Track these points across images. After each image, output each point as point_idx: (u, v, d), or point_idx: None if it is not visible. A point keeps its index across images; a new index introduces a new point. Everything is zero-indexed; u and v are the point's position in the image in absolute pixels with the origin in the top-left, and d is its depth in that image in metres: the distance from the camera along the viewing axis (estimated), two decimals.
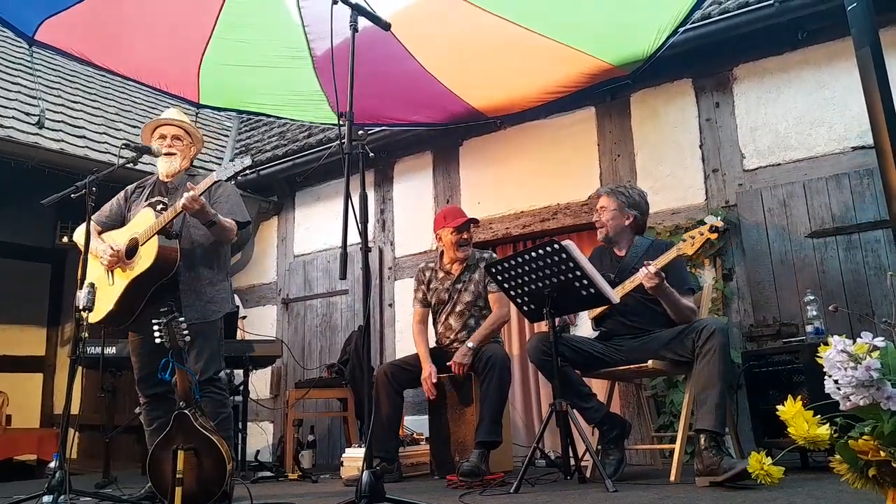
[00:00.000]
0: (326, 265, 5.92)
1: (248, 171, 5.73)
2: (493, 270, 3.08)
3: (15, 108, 5.21)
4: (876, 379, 1.22)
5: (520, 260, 2.94)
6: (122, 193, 3.33)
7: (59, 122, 5.45)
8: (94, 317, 3.03)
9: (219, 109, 5.29)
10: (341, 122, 2.50)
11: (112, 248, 3.02)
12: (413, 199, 5.57)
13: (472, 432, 3.57)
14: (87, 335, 3.01)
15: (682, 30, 3.66)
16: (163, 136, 3.24)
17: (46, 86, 5.98)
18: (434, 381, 3.70)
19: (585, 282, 2.83)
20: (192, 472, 2.55)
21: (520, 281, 3.00)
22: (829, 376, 1.28)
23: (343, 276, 2.30)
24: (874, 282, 3.62)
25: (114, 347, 4.36)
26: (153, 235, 2.91)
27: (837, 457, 1.30)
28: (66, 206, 3.35)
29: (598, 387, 3.73)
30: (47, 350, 7.38)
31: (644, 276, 2.90)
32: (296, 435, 4.64)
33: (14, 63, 6.11)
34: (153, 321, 2.65)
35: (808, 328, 3.29)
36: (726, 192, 4.17)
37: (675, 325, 3.00)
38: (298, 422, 4.73)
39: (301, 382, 4.98)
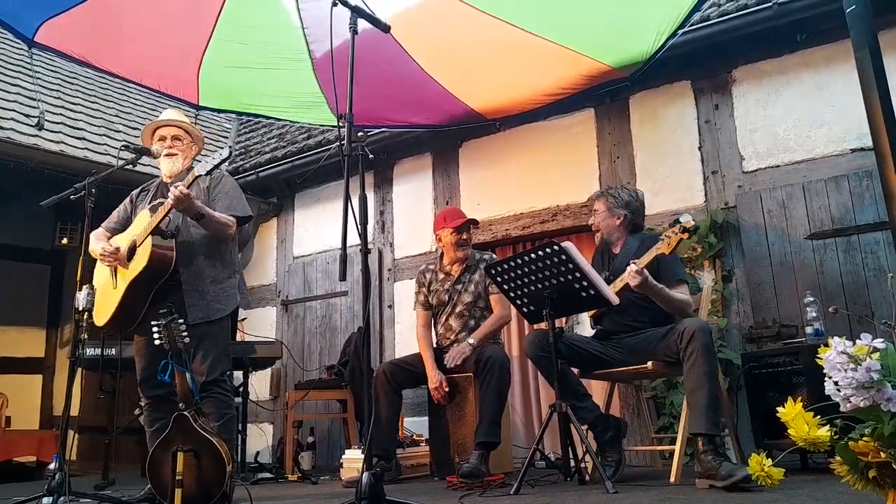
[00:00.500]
0: (326, 266, 5.92)
1: (248, 173, 5.72)
2: (493, 272, 3.08)
3: (14, 110, 5.22)
4: (876, 380, 1.22)
5: (519, 261, 2.94)
6: (128, 198, 3.33)
7: (58, 123, 5.45)
8: (100, 320, 3.04)
9: (218, 111, 5.29)
10: (341, 124, 2.50)
11: (110, 245, 3.01)
12: (413, 200, 5.57)
13: (471, 433, 3.57)
14: (86, 336, 3.01)
15: (681, 32, 3.66)
16: (163, 138, 3.23)
17: (46, 87, 5.98)
18: (447, 388, 3.70)
19: (585, 283, 2.83)
20: (192, 474, 2.55)
21: (519, 282, 3.00)
22: (830, 378, 1.28)
23: (343, 278, 2.30)
24: (873, 283, 3.62)
25: (113, 349, 4.37)
26: (147, 236, 2.91)
27: (838, 458, 1.30)
28: (66, 208, 3.35)
29: (598, 388, 3.73)
30: (47, 351, 7.37)
31: (628, 274, 2.91)
32: (295, 436, 4.64)
33: (14, 65, 6.11)
34: (152, 323, 2.65)
35: (808, 329, 3.30)
36: (726, 194, 4.18)
37: (671, 320, 3.00)
38: (298, 423, 4.73)
39: (301, 384, 4.98)
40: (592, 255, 3.49)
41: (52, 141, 5.10)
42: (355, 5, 2.57)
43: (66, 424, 2.84)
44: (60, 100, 5.95)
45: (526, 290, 3.00)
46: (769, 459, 1.41)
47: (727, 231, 4.10)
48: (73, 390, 2.87)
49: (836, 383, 1.26)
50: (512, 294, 3.08)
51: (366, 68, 3.07)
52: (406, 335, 5.19)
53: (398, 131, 5.17)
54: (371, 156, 2.65)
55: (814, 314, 3.28)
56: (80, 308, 2.95)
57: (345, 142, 2.41)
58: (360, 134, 5.22)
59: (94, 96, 6.50)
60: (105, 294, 3.05)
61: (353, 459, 3.82)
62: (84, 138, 5.49)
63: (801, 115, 4.01)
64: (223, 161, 2.84)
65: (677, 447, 2.89)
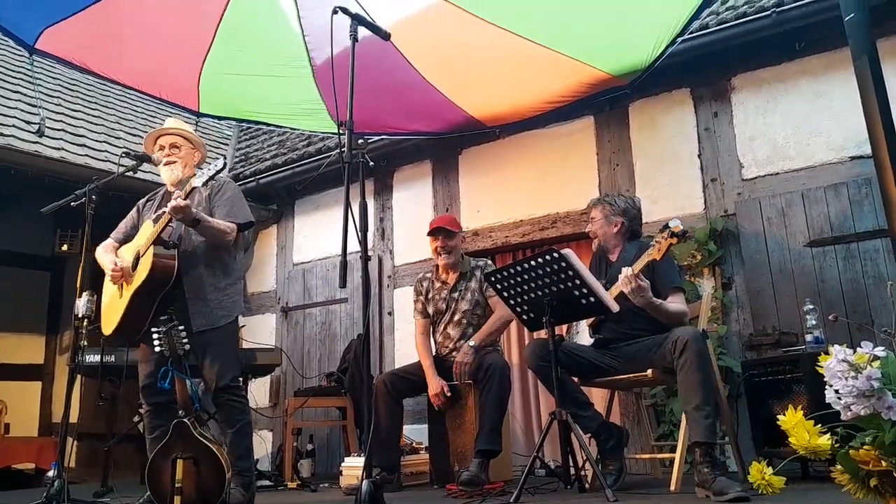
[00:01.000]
0: (326, 273, 5.92)
1: (248, 180, 5.71)
2: (493, 279, 3.08)
3: (15, 117, 5.23)
4: (876, 389, 1.22)
5: (519, 269, 2.94)
6: (135, 207, 3.34)
7: (59, 130, 5.46)
8: (107, 329, 3.06)
9: (219, 118, 5.30)
10: (341, 132, 2.51)
11: (116, 262, 3.02)
12: (412, 207, 5.58)
13: (471, 441, 3.56)
14: (85, 343, 3.02)
15: (680, 40, 3.67)
16: (162, 147, 3.25)
17: (47, 94, 5.99)
18: (448, 394, 3.69)
19: (585, 290, 2.84)
20: (191, 481, 2.54)
21: (519, 290, 3.00)
22: (830, 386, 1.28)
23: (343, 285, 2.31)
24: (873, 291, 3.62)
25: (113, 356, 4.35)
26: (149, 247, 2.92)
27: (839, 467, 1.30)
28: (66, 215, 3.36)
29: (599, 396, 3.72)
30: (46, 358, 7.36)
31: (622, 279, 2.90)
32: (295, 444, 4.63)
33: (15, 71, 6.12)
34: (152, 329, 2.66)
35: (808, 337, 3.29)
36: (725, 202, 4.18)
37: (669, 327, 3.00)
38: (297, 431, 4.72)
39: (300, 391, 4.97)
40: (591, 260, 3.50)
41: (52, 148, 5.11)
42: (356, 13, 2.59)
43: (65, 431, 2.84)
44: (61, 106, 5.97)
45: (526, 297, 3.00)
46: (770, 468, 1.40)
47: (727, 238, 4.10)
48: (72, 397, 2.87)
49: (836, 391, 1.26)
50: (512, 301, 3.08)
51: (366, 76, 3.08)
52: (406, 342, 5.18)
53: (398, 138, 5.18)
54: (371, 163, 2.66)
55: (814, 322, 3.28)
56: (80, 315, 2.95)
57: (345, 149, 2.42)
58: (360, 141, 5.23)
59: (95, 103, 6.51)
60: (112, 303, 3.06)
61: (352, 467, 3.81)
62: (85, 145, 5.49)
63: (800, 122, 4.02)
64: (218, 172, 2.86)
65: (677, 455, 2.88)
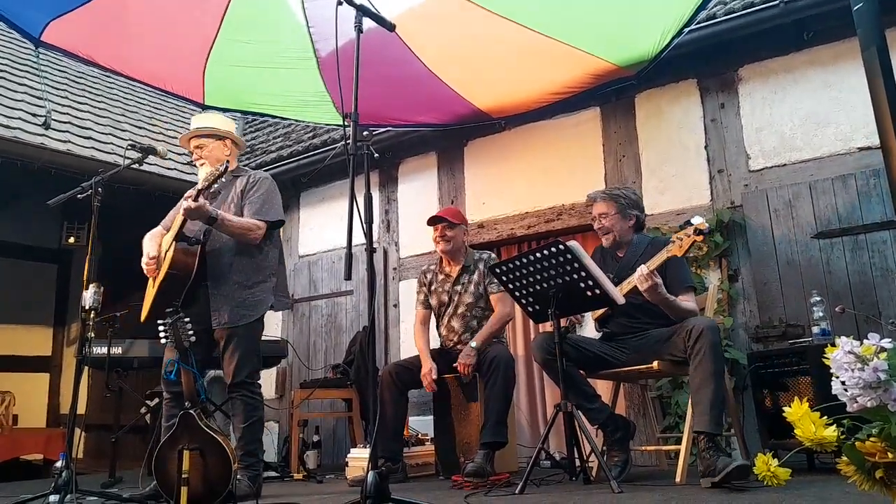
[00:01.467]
0: (331, 266, 5.93)
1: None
2: (498, 271, 3.08)
3: (21, 109, 5.24)
4: (883, 380, 1.21)
5: (525, 261, 2.94)
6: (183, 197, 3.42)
7: (65, 122, 5.47)
8: (143, 315, 3.21)
9: (224, 110, 5.25)
10: (346, 123, 2.50)
11: (149, 253, 3.13)
12: (418, 199, 5.57)
13: (476, 433, 3.57)
14: (93, 335, 3.04)
15: (687, 30, 3.65)
16: (195, 149, 3.36)
17: (53, 87, 6.01)
18: (434, 376, 3.70)
19: (591, 282, 2.83)
20: (198, 472, 2.56)
21: (525, 282, 3.00)
22: (837, 377, 1.27)
23: (348, 277, 2.30)
24: (881, 283, 3.60)
25: (120, 347, 4.38)
26: (172, 242, 3.02)
27: (844, 459, 1.30)
28: (73, 207, 3.37)
29: (604, 388, 3.72)
30: (53, 350, 7.42)
31: (638, 277, 2.89)
32: (301, 435, 4.65)
33: (20, 64, 6.13)
34: (158, 322, 2.69)
35: (815, 329, 3.28)
36: (732, 193, 4.16)
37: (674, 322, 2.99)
38: (303, 422, 4.73)
39: (306, 383, 4.99)
40: (591, 252, 3.47)
41: (59, 140, 5.12)
42: (361, 4, 2.57)
43: (73, 422, 2.86)
44: (67, 99, 5.98)
45: (531, 289, 3.00)
46: (775, 459, 1.40)
47: (733, 230, 4.09)
48: (79, 388, 2.89)
49: (843, 383, 1.26)
50: (517, 293, 3.08)
51: (371, 67, 3.07)
52: (411, 334, 5.18)
53: (403, 130, 5.17)
54: (376, 155, 2.65)
55: (820, 314, 3.27)
56: (87, 307, 2.97)
57: (350, 141, 2.42)
58: (365, 133, 5.21)
59: (101, 96, 6.52)
60: (149, 291, 3.21)
61: (358, 458, 3.83)
62: (91, 137, 5.51)
63: (808, 113, 3.99)
64: (218, 177, 2.89)
65: (683, 447, 2.88)
